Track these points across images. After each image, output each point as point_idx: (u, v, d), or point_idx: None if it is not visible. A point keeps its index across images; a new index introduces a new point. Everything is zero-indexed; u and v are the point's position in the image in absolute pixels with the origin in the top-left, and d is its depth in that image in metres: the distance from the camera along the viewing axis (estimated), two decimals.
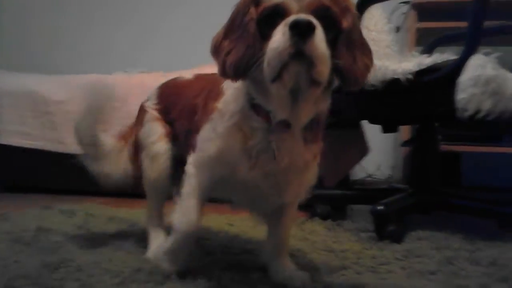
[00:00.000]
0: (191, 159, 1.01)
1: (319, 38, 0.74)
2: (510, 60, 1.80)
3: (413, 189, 1.73)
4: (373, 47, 1.83)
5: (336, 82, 0.86)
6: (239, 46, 0.82)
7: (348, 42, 0.82)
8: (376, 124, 1.85)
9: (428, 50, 2.04)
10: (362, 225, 1.63)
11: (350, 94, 1.60)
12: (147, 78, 2.51)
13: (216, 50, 0.86)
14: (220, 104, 0.94)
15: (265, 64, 0.77)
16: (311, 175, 0.97)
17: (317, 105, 0.87)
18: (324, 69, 0.76)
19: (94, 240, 1.36)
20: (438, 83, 1.40)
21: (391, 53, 1.87)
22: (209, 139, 0.95)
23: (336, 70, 0.81)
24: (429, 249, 1.34)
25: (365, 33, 1.81)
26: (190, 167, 1.00)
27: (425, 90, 1.45)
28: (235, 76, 0.84)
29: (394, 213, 1.49)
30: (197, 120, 1.04)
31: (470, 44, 1.35)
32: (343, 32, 0.82)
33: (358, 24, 0.86)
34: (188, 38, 3.26)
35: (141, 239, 1.39)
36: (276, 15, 0.78)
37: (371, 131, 1.97)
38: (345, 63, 0.80)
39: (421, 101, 1.51)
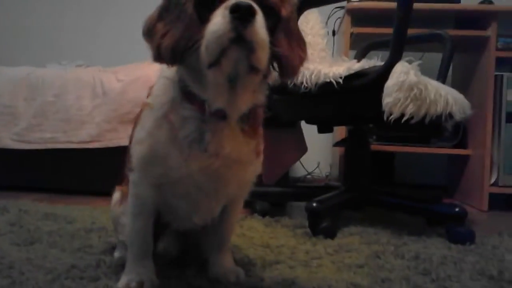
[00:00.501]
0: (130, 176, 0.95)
1: (260, 23, 0.73)
2: (436, 65, 1.94)
3: (346, 187, 1.82)
4: (309, 50, 1.91)
5: (272, 72, 0.85)
6: (175, 28, 0.77)
7: (287, 31, 0.82)
8: (312, 124, 1.92)
9: (361, 54, 2.15)
10: (299, 221, 1.69)
11: (287, 95, 1.66)
12: (84, 73, 2.46)
13: (149, 33, 0.81)
14: (149, 99, 0.90)
15: (202, 48, 0.74)
16: (251, 171, 0.95)
17: (255, 94, 0.85)
18: (263, 55, 0.74)
19: (27, 237, 1.33)
20: (366, 87, 1.47)
21: (326, 56, 1.94)
22: (139, 140, 0.89)
23: (274, 58, 0.80)
24: (359, 244, 1.42)
25: None
26: (129, 184, 0.95)
27: (355, 94, 1.52)
28: (171, 61, 0.79)
29: (328, 210, 1.55)
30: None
31: (394, 51, 1.43)
32: (282, 20, 0.81)
33: (296, 14, 0.86)
34: (129, 33, 3.21)
35: (77, 236, 1.38)
36: None
37: (311, 130, 2.04)
38: (283, 50, 0.80)
39: (351, 104, 1.58)
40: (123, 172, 1.07)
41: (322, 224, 1.49)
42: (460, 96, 1.62)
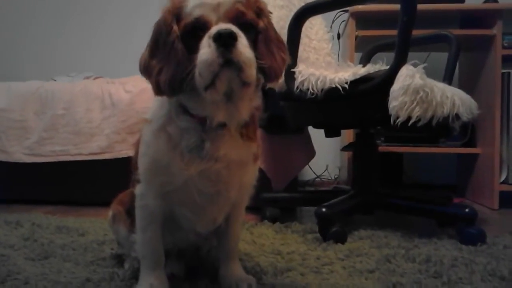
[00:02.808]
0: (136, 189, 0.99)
1: (243, 44, 0.80)
2: (443, 65, 1.94)
3: (355, 190, 1.82)
4: (314, 55, 1.92)
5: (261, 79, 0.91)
6: (169, 64, 0.84)
7: (266, 40, 0.89)
8: (319, 128, 1.93)
9: (367, 57, 2.15)
10: (309, 226, 1.69)
11: (294, 101, 1.67)
12: (92, 85, 2.49)
13: (146, 70, 0.88)
14: (147, 115, 0.96)
15: (196, 75, 0.81)
16: (251, 174, 0.99)
17: (252, 102, 0.91)
18: (251, 71, 0.81)
19: (41, 251, 1.35)
20: (372, 92, 1.48)
21: (331, 61, 1.95)
22: (142, 153, 0.95)
23: (259, 68, 0.86)
24: (370, 248, 1.42)
25: (306, 42, 1.90)
26: (136, 198, 0.99)
27: (361, 98, 1.53)
28: (170, 94, 0.86)
29: (337, 214, 1.56)
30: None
31: (399, 55, 1.43)
32: (261, 32, 0.88)
33: (271, 22, 0.92)
34: (136, 44, 3.25)
35: (90, 249, 1.40)
36: (198, 28, 0.82)
37: (319, 133, 2.05)
38: (266, 61, 0.86)
39: (358, 108, 1.59)
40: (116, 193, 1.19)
41: (332, 229, 1.50)
42: (467, 97, 1.62)
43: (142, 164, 0.95)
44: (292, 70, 1.63)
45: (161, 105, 0.93)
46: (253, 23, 0.87)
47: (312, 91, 1.56)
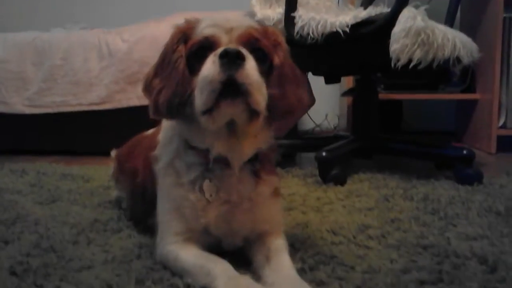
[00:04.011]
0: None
1: (251, 66, 0.72)
2: (444, 8, 1.91)
3: (355, 135, 1.84)
4: (314, 0, 1.88)
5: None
6: (169, 84, 0.79)
7: (281, 77, 0.81)
8: (319, 75, 1.92)
9: (367, 1, 2.12)
10: (309, 171, 1.73)
11: (293, 47, 1.66)
12: (88, 35, 2.46)
13: (147, 89, 0.83)
14: (156, 151, 0.91)
15: (196, 95, 0.75)
16: (269, 210, 0.88)
17: (258, 139, 0.83)
18: (260, 98, 0.73)
19: (48, 196, 1.38)
20: (373, 35, 1.47)
21: (332, 5, 1.92)
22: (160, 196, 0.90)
23: (269, 102, 0.77)
24: (369, 189, 1.46)
25: None
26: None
27: (362, 42, 1.52)
28: (168, 116, 0.81)
29: (337, 158, 1.59)
30: (140, 182, 0.99)
31: None
32: (276, 67, 0.80)
33: (289, 58, 0.85)
34: None
35: (97, 193, 1.43)
36: (206, 48, 0.76)
37: (318, 82, 2.04)
38: (276, 94, 0.78)
39: (359, 53, 1.58)
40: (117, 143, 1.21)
41: (332, 172, 1.53)
42: (468, 40, 1.61)
43: (161, 211, 0.89)
44: (292, 14, 1.61)
45: (170, 140, 0.88)
46: (267, 53, 0.79)
47: (312, 36, 1.55)
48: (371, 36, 1.47)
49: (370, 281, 0.77)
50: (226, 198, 0.83)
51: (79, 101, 2.33)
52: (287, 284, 0.72)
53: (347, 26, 1.49)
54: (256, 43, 0.78)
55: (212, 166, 0.82)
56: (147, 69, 0.93)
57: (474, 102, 2.57)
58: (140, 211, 1.04)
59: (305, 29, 1.57)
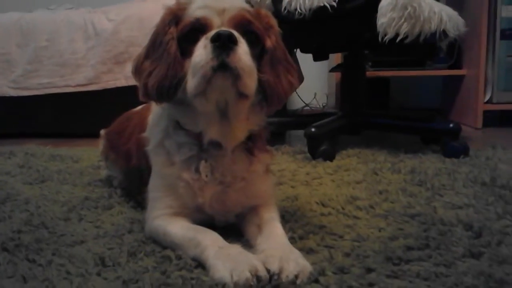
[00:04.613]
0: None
1: (243, 50, 0.72)
2: None
3: (343, 112, 1.85)
4: None
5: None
6: (160, 67, 0.78)
7: (272, 60, 0.80)
8: (307, 53, 1.92)
9: None
10: (298, 148, 1.74)
11: (281, 23, 1.65)
12: (74, 15, 2.42)
13: (137, 71, 0.82)
14: (146, 133, 0.91)
15: (188, 79, 0.74)
16: (261, 186, 0.89)
17: (250, 122, 0.83)
18: (250, 81, 0.73)
19: (38, 176, 1.38)
20: (360, 9, 1.47)
21: None
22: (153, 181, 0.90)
23: (260, 86, 0.77)
24: (357, 164, 1.48)
25: None
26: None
27: (349, 17, 1.52)
28: (158, 99, 0.80)
29: (326, 134, 1.60)
30: (134, 164, 0.99)
31: None
32: (268, 50, 0.80)
33: (281, 42, 0.84)
34: None
35: (86, 173, 1.43)
36: (197, 31, 0.76)
37: (307, 60, 2.04)
38: (269, 79, 0.78)
39: (346, 28, 1.59)
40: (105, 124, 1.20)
41: (321, 148, 1.54)
42: (454, 13, 1.62)
43: (152, 187, 0.90)
44: None
45: (158, 121, 0.88)
46: (260, 36, 0.79)
47: (300, 11, 1.54)
48: (358, 10, 1.47)
49: (358, 248, 0.79)
50: (221, 178, 0.83)
51: (66, 83, 2.31)
52: (279, 251, 0.72)
53: (335, 0, 1.49)
54: (249, 25, 0.78)
55: (207, 146, 0.82)
56: (134, 49, 0.91)
57: (460, 78, 2.59)
58: (138, 190, 1.03)
59: (293, 4, 1.57)
